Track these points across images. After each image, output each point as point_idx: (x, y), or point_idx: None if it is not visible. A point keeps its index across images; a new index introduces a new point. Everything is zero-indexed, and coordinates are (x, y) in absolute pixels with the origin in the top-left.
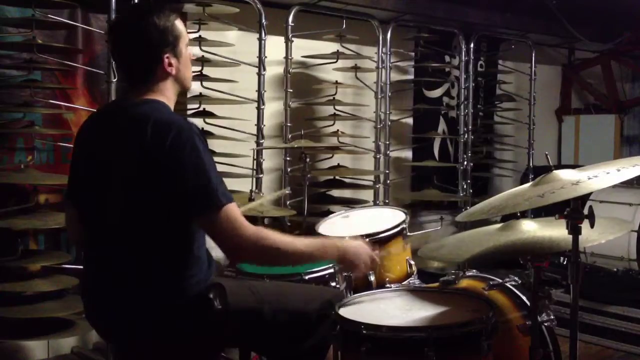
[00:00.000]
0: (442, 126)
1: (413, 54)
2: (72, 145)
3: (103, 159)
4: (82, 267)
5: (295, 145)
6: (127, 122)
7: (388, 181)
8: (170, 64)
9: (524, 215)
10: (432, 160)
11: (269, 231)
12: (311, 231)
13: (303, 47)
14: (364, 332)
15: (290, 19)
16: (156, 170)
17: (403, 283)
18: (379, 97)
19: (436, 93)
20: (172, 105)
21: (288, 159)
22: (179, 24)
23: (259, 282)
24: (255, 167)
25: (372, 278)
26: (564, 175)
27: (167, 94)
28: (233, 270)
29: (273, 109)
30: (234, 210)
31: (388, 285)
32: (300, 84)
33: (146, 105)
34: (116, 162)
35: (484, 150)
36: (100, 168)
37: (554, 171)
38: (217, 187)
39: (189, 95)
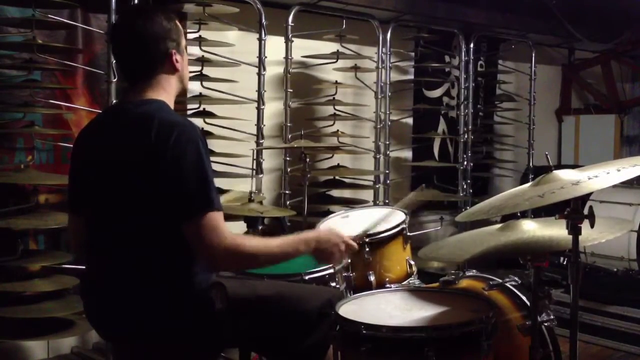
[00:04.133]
0: (442, 126)
1: (413, 54)
2: (72, 145)
3: (107, 160)
4: (82, 267)
5: (295, 145)
6: (131, 121)
7: (388, 181)
8: (177, 60)
9: (524, 215)
10: (432, 160)
11: (245, 238)
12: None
13: (303, 47)
14: (364, 332)
15: (290, 19)
16: (158, 170)
17: (403, 283)
18: (379, 97)
19: (436, 93)
20: (172, 103)
21: (288, 159)
22: (179, 25)
23: (258, 281)
24: (255, 167)
25: (372, 278)
26: (564, 175)
27: (169, 91)
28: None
29: (273, 109)
30: (221, 219)
31: (388, 285)
32: (300, 84)
33: (149, 105)
34: (120, 162)
35: (484, 150)
36: (104, 169)
37: (554, 171)
38: (213, 193)
39: (189, 95)
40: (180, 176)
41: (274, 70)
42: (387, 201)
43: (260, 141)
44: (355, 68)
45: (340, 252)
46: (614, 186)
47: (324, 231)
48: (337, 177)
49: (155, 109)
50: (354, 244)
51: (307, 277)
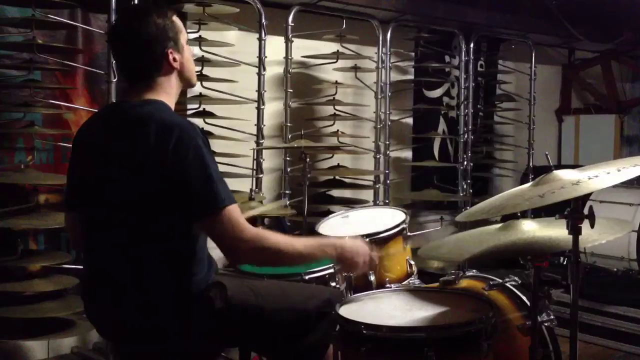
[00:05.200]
0: (442, 126)
1: (413, 54)
2: (71, 145)
3: (105, 161)
4: (82, 267)
5: (295, 145)
6: (129, 123)
7: (388, 181)
8: (174, 59)
9: (524, 215)
10: (432, 160)
11: (268, 232)
12: (311, 231)
13: (303, 47)
14: (364, 332)
15: (290, 19)
16: (160, 172)
17: (403, 283)
18: (379, 97)
19: (436, 93)
20: (173, 103)
21: (288, 159)
22: (177, 20)
23: (258, 281)
24: (255, 167)
25: (372, 278)
26: (564, 175)
27: (169, 91)
28: (232, 270)
29: (273, 109)
30: (236, 212)
31: (388, 285)
32: (300, 84)
33: (148, 106)
34: (119, 163)
35: (484, 150)
36: (102, 170)
37: (554, 171)
38: (220, 188)
39: (189, 95)
40: (186, 178)
41: (274, 70)
42: (387, 201)
43: (260, 141)
44: (355, 68)
45: (364, 265)
46: (614, 186)
47: (352, 241)
48: (337, 177)
49: (154, 110)
50: (376, 260)
51: (307, 277)
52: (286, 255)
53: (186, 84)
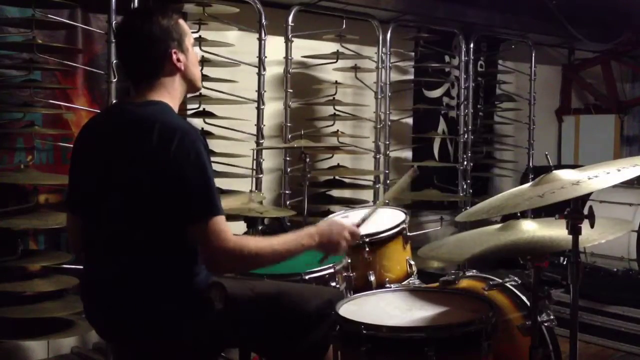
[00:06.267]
0: (442, 126)
1: (413, 54)
2: (72, 145)
3: (106, 161)
4: (82, 267)
5: (295, 145)
6: (132, 123)
7: (388, 181)
8: (178, 59)
9: (524, 215)
10: (432, 160)
11: (247, 240)
12: None
13: (303, 47)
14: (364, 332)
15: (290, 19)
16: (161, 174)
17: (403, 283)
18: (379, 97)
19: (436, 93)
20: (177, 106)
21: (288, 159)
22: (182, 22)
23: (258, 281)
24: (255, 167)
25: (372, 278)
26: (564, 175)
27: (173, 93)
28: None
29: (273, 109)
30: (224, 223)
31: (388, 285)
32: (300, 84)
33: (151, 107)
34: (120, 163)
35: (484, 150)
36: (103, 170)
37: (554, 171)
38: (215, 197)
39: (189, 95)
40: (184, 182)
41: (274, 70)
42: (387, 201)
43: (260, 141)
44: (355, 68)
45: (345, 240)
46: (614, 186)
47: (323, 223)
48: (337, 177)
49: (157, 111)
50: (357, 229)
51: (307, 277)
52: (266, 260)
53: (190, 87)
